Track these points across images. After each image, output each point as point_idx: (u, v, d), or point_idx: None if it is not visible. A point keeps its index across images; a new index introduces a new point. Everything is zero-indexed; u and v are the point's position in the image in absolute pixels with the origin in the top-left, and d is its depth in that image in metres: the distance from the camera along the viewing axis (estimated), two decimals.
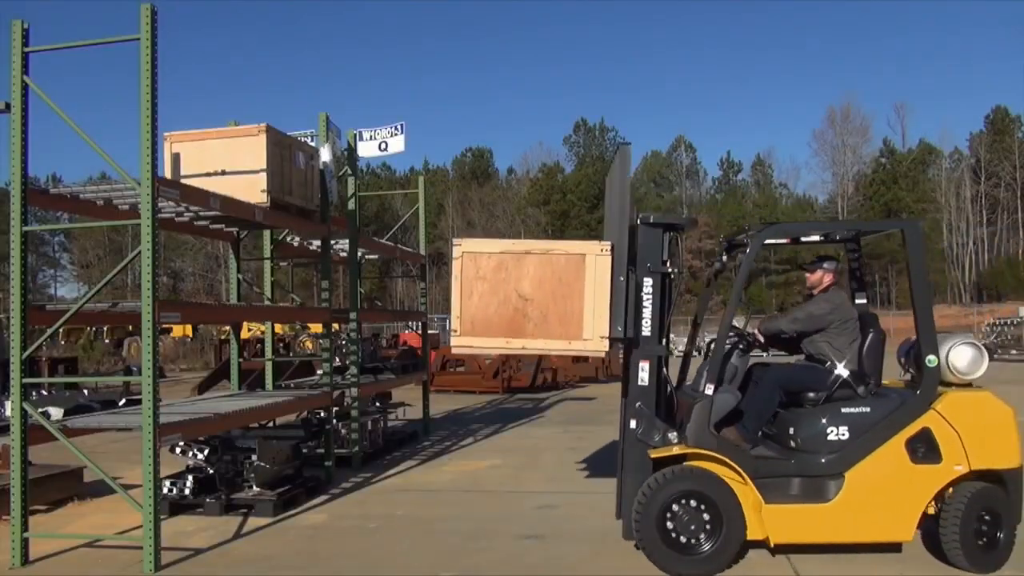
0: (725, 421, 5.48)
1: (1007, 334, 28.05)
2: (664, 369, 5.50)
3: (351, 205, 9.43)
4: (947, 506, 5.09)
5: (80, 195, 6.48)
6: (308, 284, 28.37)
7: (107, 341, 32.12)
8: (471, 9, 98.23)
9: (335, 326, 9.43)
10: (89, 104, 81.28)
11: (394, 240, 12.83)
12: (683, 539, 5.06)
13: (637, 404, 5.36)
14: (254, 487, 7.09)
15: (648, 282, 5.41)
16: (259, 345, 19.41)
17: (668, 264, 5.49)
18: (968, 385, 5.37)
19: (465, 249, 5.60)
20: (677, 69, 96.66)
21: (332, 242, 9.38)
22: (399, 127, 10.36)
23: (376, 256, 12.66)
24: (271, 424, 8.59)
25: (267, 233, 9.35)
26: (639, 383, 5.38)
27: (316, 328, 14.26)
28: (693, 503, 5.08)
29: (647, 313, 5.39)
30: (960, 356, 5.32)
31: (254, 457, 7.10)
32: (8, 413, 5.72)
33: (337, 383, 8.88)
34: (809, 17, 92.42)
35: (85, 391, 14.39)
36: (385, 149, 10.41)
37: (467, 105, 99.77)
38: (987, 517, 5.05)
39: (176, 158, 7.41)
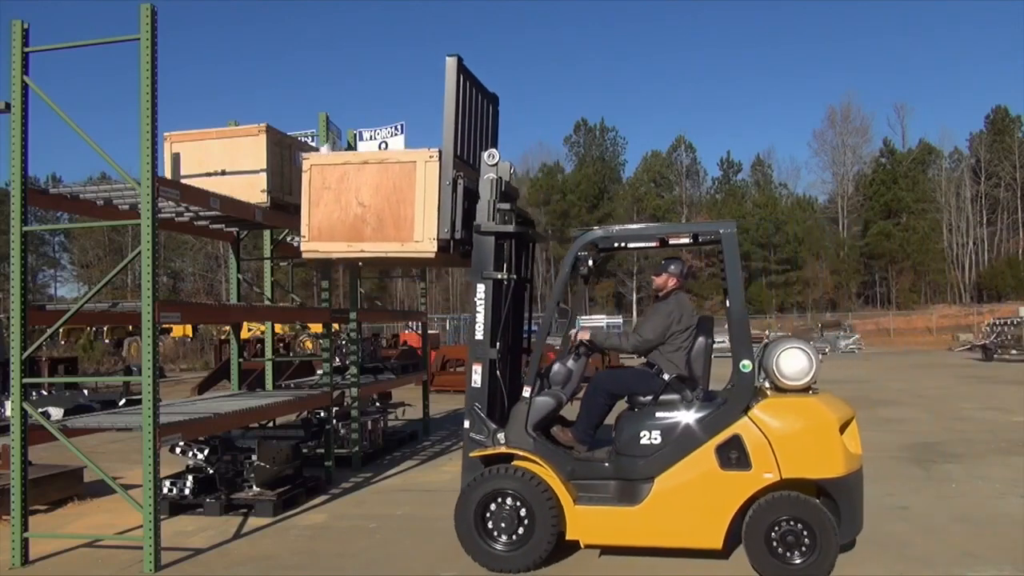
0: (563, 422, 5.75)
1: (1007, 334, 27.96)
2: (498, 371, 5.62)
3: None
4: (748, 514, 4.96)
5: (80, 195, 6.48)
6: (308, 284, 28.35)
7: (107, 341, 32.13)
8: (471, 9, 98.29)
9: (335, 326, 9.42)
10: (89, 104, 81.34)
11: None
12: (495, 534, 5.24)
13: (473, 405, 5.55)
14: (254, 487, 7.09)
15: (480, 288, 5.61)
16: (259, 345, 19.41)
17: (504, 271, 5.67)
18: (807, 391, 5.21)
19: (313, 162, 6.03)
20: (677, 69, 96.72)
21: None
22: (399, 127, 10.33)
23: None
24: (271, 424, 8.59)
25: (267, 233, 9.35)
26: (472, 384, 5.58)
27: (316, 328, 14.26)
28: (509, 501, 5.22)
29: (480, 318, 5.61)
30: (786, 361, 5.17)
31: (254, 457, 7.10)
32: (8, 413, 5.72)
33: (337, 383, 8.87)
34: (809, 17, 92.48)
35: (85, 391, 14.39)
36: (385, 149, 10.39)
37: None
38: (799, 527, 4.86)
39: (176, 158, 7.41)
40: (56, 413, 7.34)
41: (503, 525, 5.22)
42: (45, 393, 12.10)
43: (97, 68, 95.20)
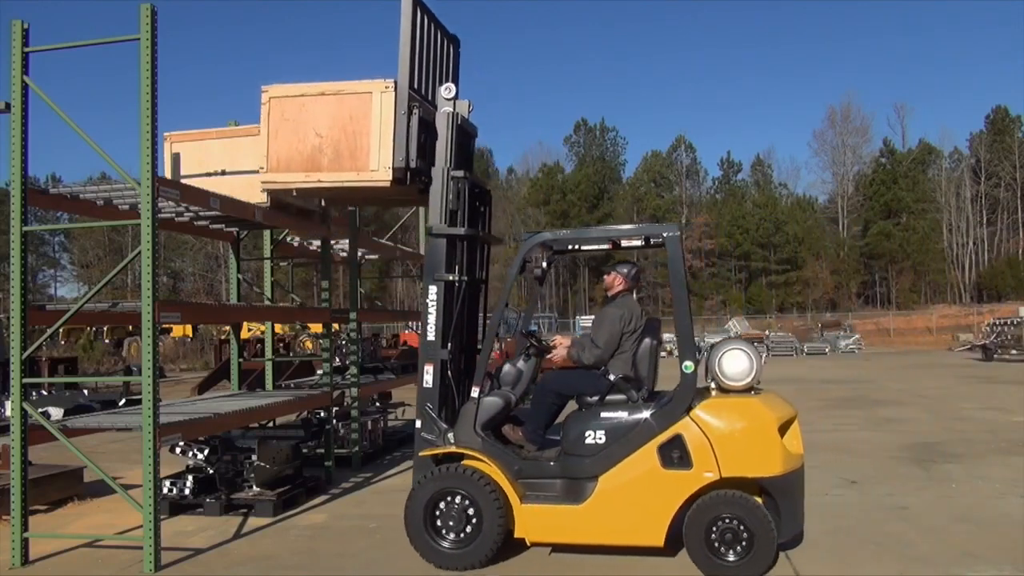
0: (516, 422, 5.82)
1: (1007, 334, 27.95)
2: (449, 372, 5.70)
3: (351, 205, 9.42)
4: (688, 512, 5.00)
5: (80, 195, 6.47)
6: (308, 284, 28.37)
7: (107, 341, 32.17)
8: (471, 9, 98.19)
9: (335, 326, 9.42)
10: (89, 104, 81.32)
11: (394, 240, 12.83)
12: (444, 532, 5.30)
13: (425, 405, 5.63)
14: (254, 487, 7.09)
15: (432, 290, 5.71)
16: (259, 345, 19.40)
17: (456, 273, 5.76)
18: (750, 391, 5.25)
19: (272, 95, 6.06)
20: (677, 69, 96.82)
21: (332, 242, 9.37)
22: None
23: (376, 256, 12.64)
24: (271, 424, 8.58)
25: (267, 233, 9.34)
26: (424, 385, 5.67)
27: (316, 328, 14.25)
28: (457, 500, 5.27)
29: (431, 319, 5.70)
30: (727, 362, 5.21)
31: (254, 457, 7.09)
32: (8, 413, 5.72)
33: (337, 383, 8.87)
34: (809, 17, 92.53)
35: (85, 391, 14.40)
36: None
37: None
38: (737, 526, 4.90)
39: (176, 158, 7.41)
40: (56, 413, 7.34)
41: (451, 523, 5.27)
42: (45, 393, 12.11)
43: (97, 68, 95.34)
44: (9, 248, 5.78)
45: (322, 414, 8.70)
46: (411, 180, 5.84)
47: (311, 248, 10.31)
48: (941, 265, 62.07)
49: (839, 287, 62.79)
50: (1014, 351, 26.87)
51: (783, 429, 5.10)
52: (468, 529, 5.25)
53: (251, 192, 7.22)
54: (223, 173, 7.24)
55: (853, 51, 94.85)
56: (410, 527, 5.35)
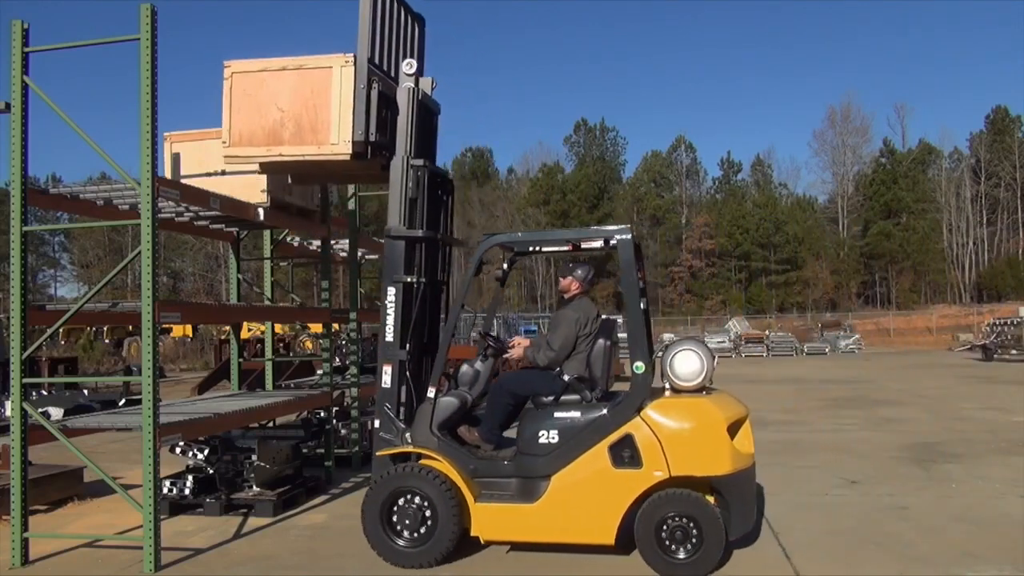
0: (475, 422, 5.85)
1: (1007, 334, 27.97)
2: (408, 372, 5.74)
3: (351, 205, 9.43)
4: (640, 511, 5.04)
5: (80, 195, 6.47)
6: (308, 284, 28.38)
7: (107, 341, 32.17)
8: (471, 9, 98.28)
9: (335, 326, 9.42)
10: (89, 104, 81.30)
11: None
12: (400, 531, 5.34)
13: (383, 405, 5.68)
14: (254, 487, 7.08)
15: (391, 291, 5.74)
16: (259, 345, 19.41)
17: (415, 274, 5.81)
18: (701, 391, 5.27)
19: (234, 70, 6.09)
20: (677, 69, 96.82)
21: (332, 242, 9.37)
22: None
23: (376, 256, 12.64)
24: (271, 424, 8.58)
25: (267, 233, 9.34)
26: (382, 385, 5.71)
27: (316, 328, 14.26)
28: (413, 499, 5.33)
29: (389, 320, 5.74)
30: (679, 362, 5.25)
31: (254, 457, 7.09)
32: (8, 413, 5.72)
33: (337, 383, 8.87)
34: (810, 17, 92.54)
35: (85, 391, 14.42)
36: None
37: (467, 105, 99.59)
38: (688, 524, 4.95)
39: (176, 158, 7.41)
40: (56, 413, 7.36)
41: (408, 522, 5.32)
42: (45, 393, 12.13)
43: (97, 68, 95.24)
44: (9, 248, 5.77)
45: (322, 414, 8.70)
46: (372, 155, 5.88)
47: (311, 248, 10.31)
48: (941, 265, 62.06)
49: (839, 287, 62.79)
50: (1014, 351, 26.89)
51: (733, 429, 5.14)
52: (424, 528, 5.29)
53: (251, 192, 7.23)
54: (223, 173, 7.23)
55: (853, 51, 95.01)
56: (367, 525, 5.38)
